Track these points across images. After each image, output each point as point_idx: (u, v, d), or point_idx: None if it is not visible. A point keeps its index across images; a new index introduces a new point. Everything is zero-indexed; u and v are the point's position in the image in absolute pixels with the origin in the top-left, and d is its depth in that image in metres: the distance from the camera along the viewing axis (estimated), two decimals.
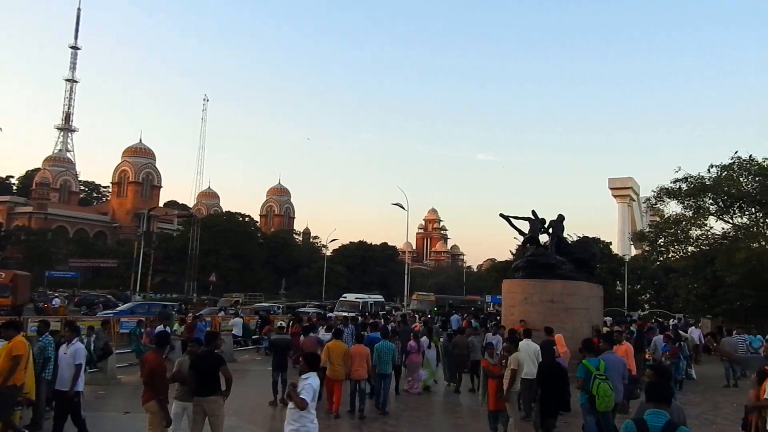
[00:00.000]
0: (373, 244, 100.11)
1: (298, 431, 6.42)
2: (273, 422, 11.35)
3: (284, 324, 19.05)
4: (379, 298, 46.63)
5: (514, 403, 9.94)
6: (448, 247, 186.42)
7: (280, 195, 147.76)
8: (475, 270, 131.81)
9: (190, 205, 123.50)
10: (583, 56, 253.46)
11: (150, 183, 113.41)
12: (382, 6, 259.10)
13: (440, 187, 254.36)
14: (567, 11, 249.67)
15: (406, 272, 48.96)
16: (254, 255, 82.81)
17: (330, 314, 29.44)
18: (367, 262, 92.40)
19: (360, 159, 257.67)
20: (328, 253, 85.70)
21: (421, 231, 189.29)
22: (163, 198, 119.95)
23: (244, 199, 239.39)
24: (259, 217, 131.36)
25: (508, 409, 9.92)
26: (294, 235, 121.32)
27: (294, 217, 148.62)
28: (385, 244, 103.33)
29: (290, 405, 6.54)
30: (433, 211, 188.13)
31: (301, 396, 6.39)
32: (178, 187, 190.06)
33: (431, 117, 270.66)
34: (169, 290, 69.05)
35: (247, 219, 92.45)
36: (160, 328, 16.63)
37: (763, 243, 30.06)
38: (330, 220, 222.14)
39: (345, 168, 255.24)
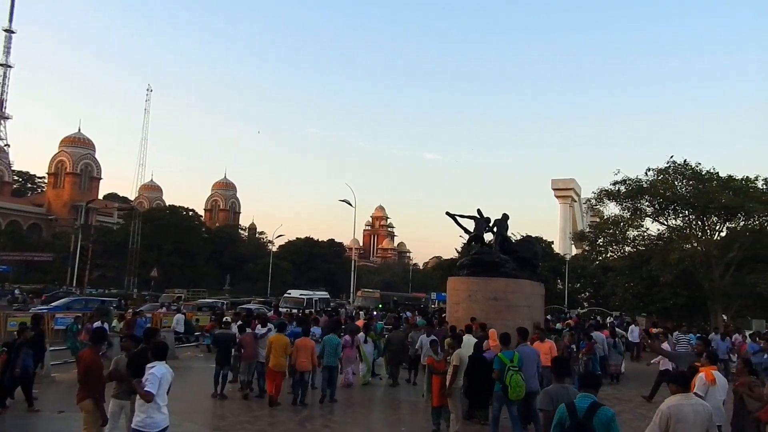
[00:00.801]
0: (320, 240, 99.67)
1: (143, 422, 6.27)
2: (214, 419, 11.20)
3: (229, 319, 18.85)
4: (325, 294, 46.40)
5: (456, 399, 10.07)
6: (395, 244, 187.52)
7: (225, 189, 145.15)
8: (422, 267, 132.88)
9: (132, 198, 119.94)
10: (527, 58, 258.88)
11: (89, 174, 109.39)
12: (330, 1, 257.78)
13: (388, 184, 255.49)
14: (513, 11, 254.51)
15: (352, 269, 48.95)
16: (198, 250, 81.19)
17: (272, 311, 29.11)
18: (313, 259, 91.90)
19: (308, 154, 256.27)
20: (275, 249, 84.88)
21: (369, 228, 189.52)
22: (103, 190, 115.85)
23: (188, 193, 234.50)
24: (203, 211, 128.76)
25: (450, 404, 10.05)
26: (239, 230, 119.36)
27: (240, 212, 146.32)
28: (332, 240, 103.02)
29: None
30: (381, 208, 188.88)
31: (146, 389, 6.21)
32: (119, 179, 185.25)
33: (379, 115, 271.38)
34: (108, 285, 66.91)
35: (191, 213, 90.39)
36: (97, 324, 16.08)
37: (695, 244, 31.40)
38: (277, 215, 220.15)
39: (292, 163, 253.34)
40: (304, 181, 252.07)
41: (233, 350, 13.67)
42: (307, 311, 28.07)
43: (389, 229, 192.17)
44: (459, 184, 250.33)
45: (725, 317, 31.91)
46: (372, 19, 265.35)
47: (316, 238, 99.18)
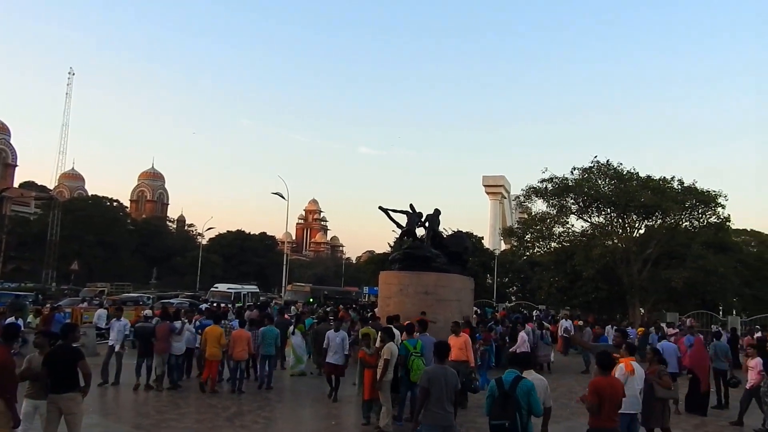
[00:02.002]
0: (251, 233, 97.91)
1: None
2: (137, 418, 10.83)
3: (150, 313, 18.48)
4: (254, 288, 45.63)
5: (386, 392, 10.13)
6: (328, 238, 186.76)
7: (153, 180, 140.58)
8: (354, 262, 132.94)
9: (51, 186, 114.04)
10: (461, 59, 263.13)
11: (3, 161, 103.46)
12: None
13: (322, 178, 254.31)
14: (448, 11, 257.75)
15: (284, 263, 48.24)
16: (123, 242, 78.09)
17: (203, 305, 28.40)
18: (244, 252, 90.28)
19: (240, 146, 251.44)
20: (204, 242, 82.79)
21: (302, 221, 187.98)
22: (19, 178, 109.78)
23: (112, 183, 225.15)
24: (129, 202, 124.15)
25: (380, 397, 10.11)
26: (167, 222, 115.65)
27: (168, 204, 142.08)
28: (264, 233, 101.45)
29: None
30: (314, 201, 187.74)
31: None
32: (37, 167, 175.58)
33: (315, 107, 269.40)
34: (24, 279, 63.43)
35: (115, 204, 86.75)
36: (11, 319, 15.22)
37: (616, 241, 32.79)
38: (207, 207, 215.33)
39: (224, 154, 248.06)
40: (236, 172, 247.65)
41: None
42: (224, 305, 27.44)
43: (322, 222, 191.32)
44: (393, 178, 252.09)
45: (642, 310, 33.48)
46: (309, 10, 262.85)
47: (247, 232, 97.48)
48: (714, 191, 31.57)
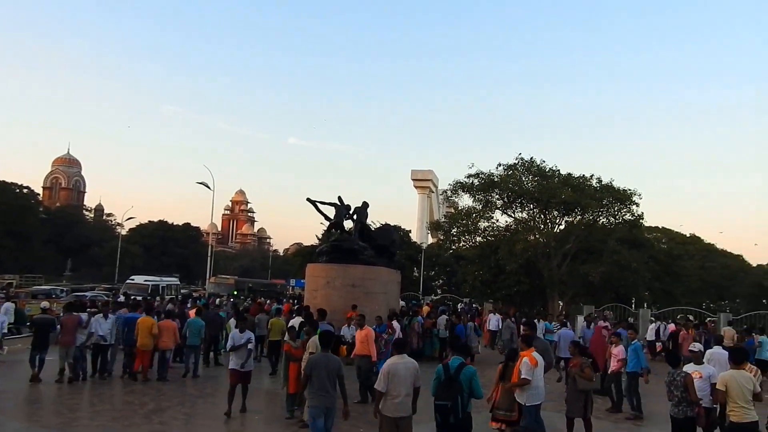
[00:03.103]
0: (174, 224, 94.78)
1: None
2: (48, 416, 10.29)
3: (48, 305, 17.88)
4: (174, 280, 44.13)
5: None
6: (255, 230, 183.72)
7: (68, 166, 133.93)
8: (282, 254, 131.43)
9: None
10: (391, 56, 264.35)
11: None
12: None
13: (249, 168, 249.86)
14: (378, 8, 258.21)
15: (209, 254, 46.97)
16: (34, 232, 73.61)
17: (120, 297, 27.26)
18: (167, 243, 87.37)
19: (163, 133, 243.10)
20: (124, 232, 79.50)
21: (228, 213, 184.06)
22: None
23: (22, 168, 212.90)
24: (41, 189, 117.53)
25: (305, 391, 9.99)
26: (84, 211, 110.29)
27: (85, 192, 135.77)
28: (188, 224, 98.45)
29: None
30: (241, 192, 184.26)
31: None
32: None
33: (243, 96, 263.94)
34: None
35: (25, 191, 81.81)
36: None
37: (538, 236, 33.78)
38: (127, 196, 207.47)
39: (146, 141, 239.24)
40: (158, 161, 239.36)
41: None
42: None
43: (249, 214, 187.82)
44: (322, 170, 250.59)
45: (561, 303, 34.70)
46: None
47: (170, 222, 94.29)
48: (629, 190, 33.05)
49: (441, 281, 57.22)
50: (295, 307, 20.68)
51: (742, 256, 67.22)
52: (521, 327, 15.71)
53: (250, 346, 10.94)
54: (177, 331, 14.27)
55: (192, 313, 16.31)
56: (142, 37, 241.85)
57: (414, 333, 19.16)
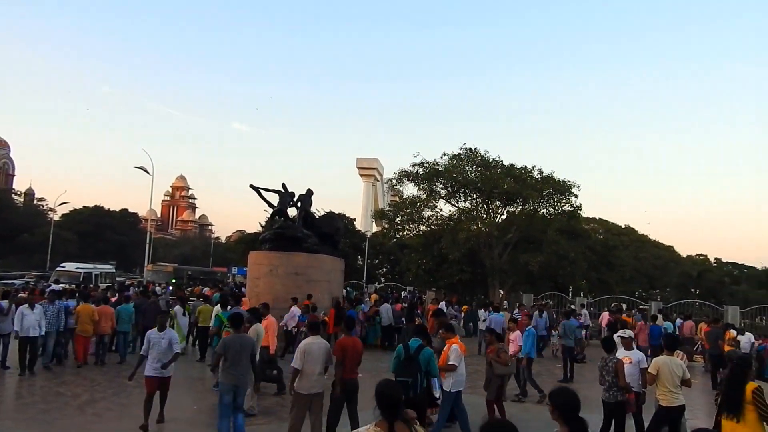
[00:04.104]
0: (111, 209, 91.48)
1: None
2: None
3: None
4: (109, 268, 42.69)
5: (254, 375, 9.93)
6: (197, 216, 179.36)
7: None
8: (224, 241, 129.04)
9: None
10: (338, 42, 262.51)
11: None
12: None
13: (191, 154, 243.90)
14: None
15: (147, 241, 45.62)
16: None
17: (54, 286, 26.17)
18: (103, 230, 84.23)
19: (99, 114, 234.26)
20: (56, 218, 76.31)
21: (168, 198, 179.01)
22: None
23: None
24: None
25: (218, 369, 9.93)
26: (13, 195, 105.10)
27: (13, 175, 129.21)
28: (126, 210, 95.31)
29: None
30: (182, 178, 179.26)
31: None
32: None
33: (185, 78, 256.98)
34: None
35: None
36: None
37: (480, 225, 34.29)
38: (61, 180, 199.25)
39: (80, 122, 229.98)
40: (94, 144, 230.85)
41: None
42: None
43: (190, 200, 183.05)
44: (266, 157, 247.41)
45: (502, 292, 35.40)
46: None
47: (106, 208, 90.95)
48: (568, 181, 33.94)
49: (385, 269, 57.45)
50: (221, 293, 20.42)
51: (673, 247, 70.16)
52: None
53: (176, 348, 9.29)
54: (114, 317, 14.79)
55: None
56: (76, 12, 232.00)
57: (358, 321, 19.25)
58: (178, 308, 15.99)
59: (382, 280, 55.48)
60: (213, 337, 13.03)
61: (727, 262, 70.43)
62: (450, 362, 8.62)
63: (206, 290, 26.12)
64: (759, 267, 69.09)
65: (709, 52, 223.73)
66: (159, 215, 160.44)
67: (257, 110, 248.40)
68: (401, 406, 3.96)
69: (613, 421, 8.52)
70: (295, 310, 17.10)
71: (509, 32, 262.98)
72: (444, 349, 8.93)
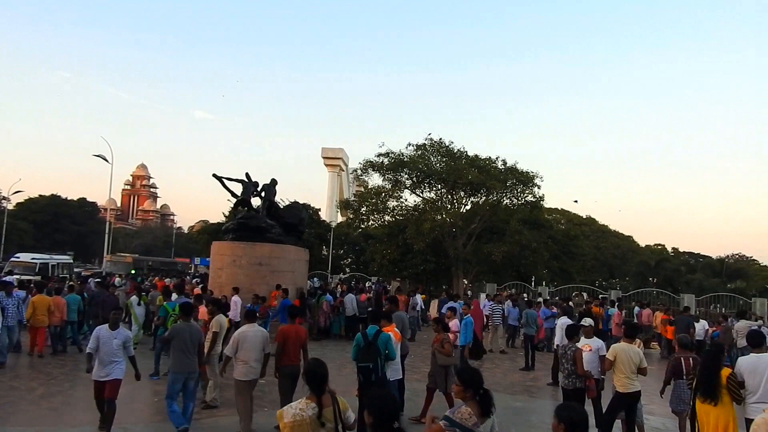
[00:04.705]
0: (69, 199, 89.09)
1: None
2: None
3: None
4: (67, 259, 41.63)
5: (214, 366, 9.84)
6: (158, 206, 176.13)
7: None
8: (187, 231, 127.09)
9: None
10: (302, 31, 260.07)
11: None
12: None
13: (152, 142, 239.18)
14: None
15: (107, 231, 44.61)
16: None
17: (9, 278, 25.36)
18: (60, 219, 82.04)
19: (56, 101, 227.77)
20: (11, 207, 73.94)
21: (128, 188, 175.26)
22: None
23: None
24: None
25: (207, 371, 9.78)
26: None
27: None
28: (84, 199, 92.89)
29: None
30: (143, 167, 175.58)
31: None
32: None
33: (146, 64, 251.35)
34: None
35: None
36: None
37: (445, 216, 34.49)
38: (15, 168, 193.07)
39: (37, 109, 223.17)
40: (51, 131, 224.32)
41: None
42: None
43: (152, 189, 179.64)
44: (230, 145, 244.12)
45: (466, 281, 35.77)
46: None
47: (64, 197, 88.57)
48: (531, 172, 34.33)
49: (349, 260, 57.38)
50: (200, 285, 20.22)
51: (632, 237, 71.87)
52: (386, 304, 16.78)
53: (130, 351, 8.34)
54: (65, 308, 14.88)
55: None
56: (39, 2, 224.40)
57: (322, 312, 19.20)
58: (134, 298, 15.76)
59: (347, 270, 55.42)
60: (158, 328, 13.61)
61: (684, 252, 72.64)
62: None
63: (168, 281, 25.75)
64: (714, 256, 71.48)
65: (665, 42, 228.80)
66: (119, 205, 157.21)
67: (223, 97, 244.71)
68: (327, 381, 4.42)
69: None
70: (236, 299, 17.09)
71: (474, 23, 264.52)
72: None
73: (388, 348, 8.12)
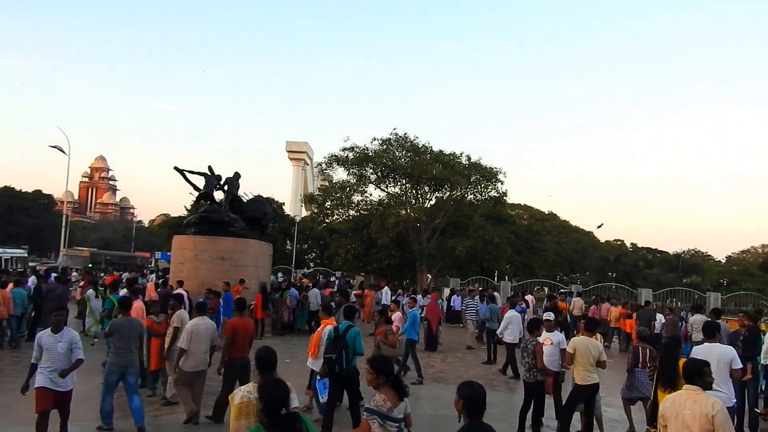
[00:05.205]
0: (23, 191, 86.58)
1: None
2: None
3: None
4: (21, 252, 40.46)
5: (173, 362, 9.68)
6: (117, 199, 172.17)
7: None
8: (147, 225, 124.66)
9: None
10: (267, 24, 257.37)
11: None
12: None
13: (111, 133, 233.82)
14: None
15: (63, 224, 43.45)
16: None
17: None
18: (14, 212, 79.61)
19: (8, 89, 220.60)
20: None
21: (86, 180, 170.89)
22: None
23: None
24: None
25: (167, 367, 9.64)
26: None
27: None
28: (40, 192, 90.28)
29: None
30: (102, 158, 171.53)
31: None
32: None
33: (106, 53, 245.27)
34: None
35: None
36: None
37: (409, 211, 34.64)
38: None
39: None
40: (4, 120, 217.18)
41: None
42: None
43: (111, 182, 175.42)
44: (193, 138, 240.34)
45: (429, 276, 35.98)
46: None
47: (18, 188, 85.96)
48: (495, 168, 34.71)
49: (314, 254, 57.16)
50: (161, 280, 19.87)
51: (592, 232, 73.28)
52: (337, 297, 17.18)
53: (78, 354, 7.27)
54: (11, 302, 14.65)
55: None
56: None
57: (285, 307, 19.08)
58: (90, 292, 15.57)
59: (311, 265, 55.18)
60: (104, 320, 13.52)
61: (642, 247, 74.37)
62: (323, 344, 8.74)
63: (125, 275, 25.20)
64: (671, 252, 73.48)
65: (616, 27, 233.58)
66: (76, 197, 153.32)
67: (188, 88, 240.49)
68: (275, 368, 4.98)
69: (533, 400, 8.85)
70: (180, 292, 16.89)
71: (439, 15, 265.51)
72: (318, 330, 9.23)
73: (357, 343, 8.32)
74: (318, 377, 8.70)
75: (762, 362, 10.38)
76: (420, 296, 22.15)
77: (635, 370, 9.25)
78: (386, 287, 25.89)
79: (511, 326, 13.90)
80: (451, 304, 26.21)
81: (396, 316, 13.05)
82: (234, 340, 8.54)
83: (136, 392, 8.22)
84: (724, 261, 74.27)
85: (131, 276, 22.70)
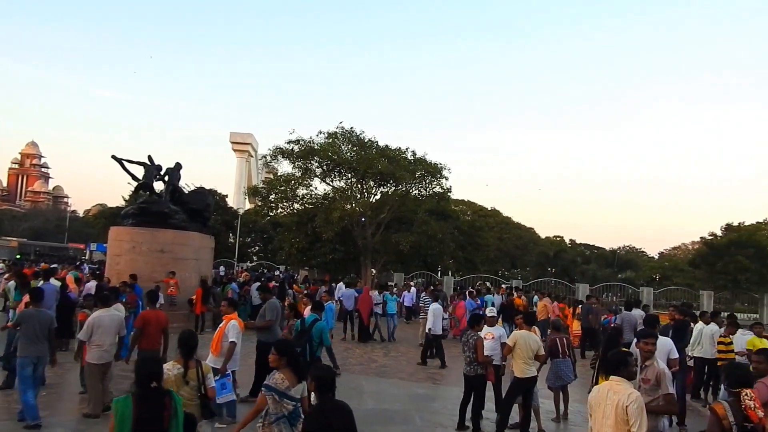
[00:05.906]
0: None
1: None
2: None
3: None
4: None
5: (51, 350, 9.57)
6: (50, 187, 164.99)
7: None
8: (82, 215, 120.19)
9: None
10: (211, 15, 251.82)
11: None
12: None
13: (44, 118, 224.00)
14: None
15: None
16: None
17: None
18: None
19: None
20: None
21: (16, 167, 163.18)
22: None
23: None
24: None
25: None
26: None
27: None
28: None
29: None
30: (33, 144, 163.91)
31: None
32: None
33: (40, 33, 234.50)
34: None
35: None
36: None
37: (354, 205, 34.56)
38: None
39: None
40: None
41: None
42: None
43: (43, 169, 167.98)
44: (132, 126, 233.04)
45: (374, 271, 36.07)
46: None
47: None
48: (440, 164, 34.99)
49: (257, 248, 56.47)
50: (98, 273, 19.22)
51: (533, 228, 75.05)
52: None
53: None
54: None
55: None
56: None
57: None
58: (11, 283, 14.39)
59: (255, 258, 54.49)
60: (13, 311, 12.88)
61: (580, 243, 76.69)
62: (230, 340, 8.33)
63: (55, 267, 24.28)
64: (607, 248, 76.06)
65: (567, 23, 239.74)
66: (5, 185, 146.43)
67: (135, 73, 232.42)
68: (195, 350, 5.48)
69: (473, 393, 9.01)
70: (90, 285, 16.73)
71: (388, 11, 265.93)
72: (221, 325, 8.62)
73: (322, 336, 9.02)
74: (218, 376, 7.69)
75: (689, 354, 10.92)
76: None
77: (556, 361, 9.94)
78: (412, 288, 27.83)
79: (434, 318, 15.19)
80: (400, 299, 26.46)
81: (307, 310, 12.87)
82: (144, 332, 8.72)
83: (39, 385, 8.33)
84: (657, 257, 77.45)
85: (47, 267, 21.70)
